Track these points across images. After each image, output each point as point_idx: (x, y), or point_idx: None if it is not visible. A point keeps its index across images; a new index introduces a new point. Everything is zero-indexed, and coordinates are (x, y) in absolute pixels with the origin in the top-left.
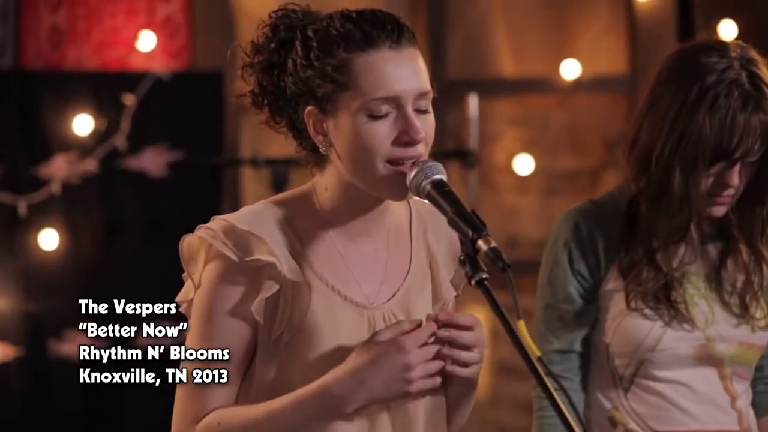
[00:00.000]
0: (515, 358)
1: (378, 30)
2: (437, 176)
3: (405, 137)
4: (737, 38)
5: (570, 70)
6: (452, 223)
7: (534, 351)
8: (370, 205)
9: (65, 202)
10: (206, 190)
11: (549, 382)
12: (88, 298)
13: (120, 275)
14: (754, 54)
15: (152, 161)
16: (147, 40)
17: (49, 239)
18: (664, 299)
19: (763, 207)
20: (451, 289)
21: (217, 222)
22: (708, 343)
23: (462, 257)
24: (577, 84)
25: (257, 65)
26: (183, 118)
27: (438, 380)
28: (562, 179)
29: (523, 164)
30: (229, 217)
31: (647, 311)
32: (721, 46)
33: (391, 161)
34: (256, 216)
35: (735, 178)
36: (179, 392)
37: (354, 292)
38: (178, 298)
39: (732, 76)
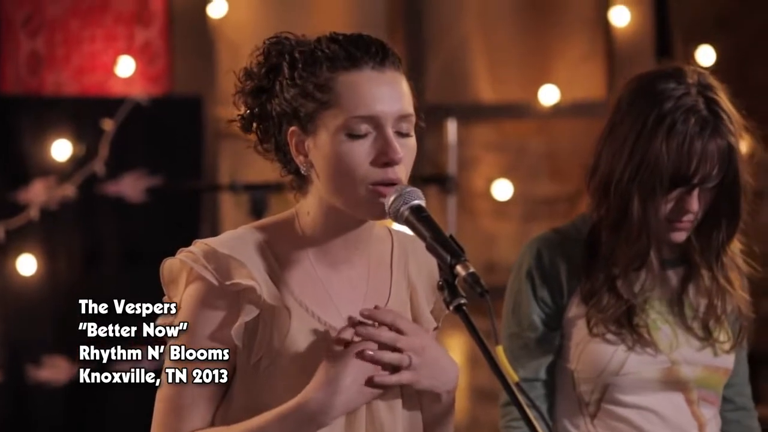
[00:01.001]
0: (494, 383)
1: (362, 51)
2: (416, 202)
3: (383, 158)
4: (715, 63)
5: (548, 95)
6: (430, 249)
7: (512, 376)
8: (351, 229)
9: (43, 227)
10: (185, 215)
11: (526, 407)
12: (66, 324)
13: (98, 301)
14: (711, 80)
15: (131, 186)
16: (126, 66)
17: (27, 265)
18: (627, 324)
19: (720, 232)
20: (431, 320)
21: (198, 246)
22: (673, 367)
23: (440, 283)
24: (556, 109)
25: (247, 90)
26: (162, 143)
27: (393, 378)
28: (541, 204)
29: (502, 189)
30: (210, 241)
31: (610, 336)
32: (678, 73)
33: (370, 182)
34: (237, 240)
35: (694, 203)
36: (157, 413)
37: (333, 318)
38: (158, 322)
39: (689, 103)
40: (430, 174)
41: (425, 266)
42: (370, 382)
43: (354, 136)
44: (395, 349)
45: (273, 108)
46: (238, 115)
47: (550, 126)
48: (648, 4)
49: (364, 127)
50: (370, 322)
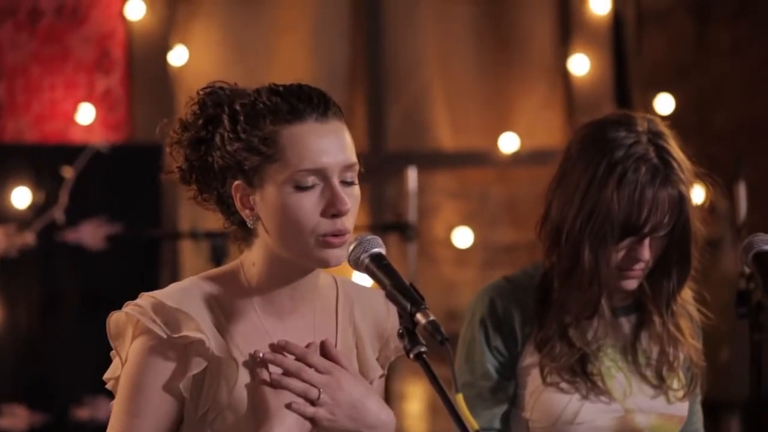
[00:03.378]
0: None
1: (304, 103)
2: (376, 250)
3: (332, 209)
4: (675, 111)
5: (508, 143)
6: (391, 297)
7: (473, 424)
8: (297, 279)
9: (3, 275)
10: (145, 263)
11: None
12: (26, 372)
13: (58, 349)
14: (662, 128)
15: (91, 234)
16: (86, 113)
17: None
18: (581, 372)
19: (671, 280)
20: (378, 367)
21: (145, 298)
22: (627, 415)
23: (400, 331)
24: (516, 157)
25: (185, 141)
26: (122, 190)
27: (309, 409)
28: (502, 252)
29: (462, 237)
30: (157, 294)
31: (564, 385)
32: (629, 121)
33: (319, 233)
34: (185, 292)
35: (645, 252)
36: None
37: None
38: (105, 376)
39: (640, 151)
40: (390, 221)
41: (370, 314)
42: (289, 405)
43: (301, 188)
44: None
45: (215, 161)
46: (177, 167)
47: (510, 173)
48: (607, 52)
49: (311, 179)
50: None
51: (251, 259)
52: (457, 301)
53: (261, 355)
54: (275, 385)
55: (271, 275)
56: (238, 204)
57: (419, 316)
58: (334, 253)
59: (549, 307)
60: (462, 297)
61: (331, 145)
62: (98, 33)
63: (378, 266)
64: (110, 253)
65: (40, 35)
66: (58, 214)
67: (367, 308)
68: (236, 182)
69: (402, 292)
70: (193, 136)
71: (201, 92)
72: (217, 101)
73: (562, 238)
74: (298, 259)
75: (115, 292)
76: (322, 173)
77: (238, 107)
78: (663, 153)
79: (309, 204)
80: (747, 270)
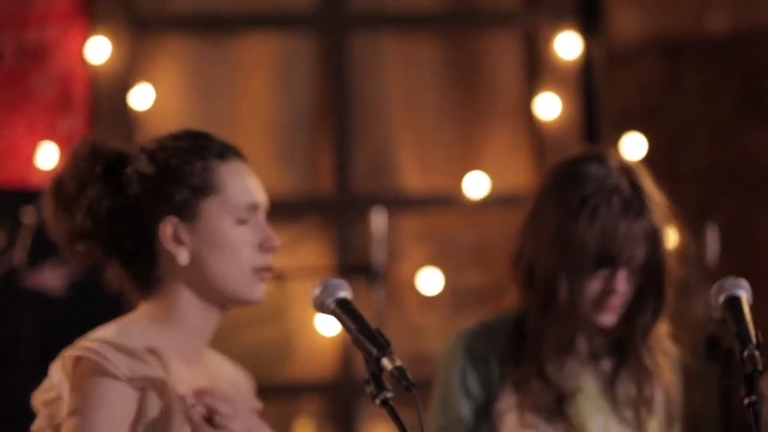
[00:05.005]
0: None
1: (225, 146)
2: (341, 294)
3: (266, 244)
4: (645, 152)
5: (476, 185)
6: (356, 342)
7: None
8: (209, 325)
9: None
10: (107, 308)
11: None
12: None
13: (19, 395)
14: (633, 163)
15: (52, 279)
16: (47, 156)
17: None
18: (558, 414)
19: (646, 315)
20: (258, 404)
21: (93, 340)
22: None
23: (366, 376)
24: (484, 200)
25: (82, 202)
26: None
27: None
28: (469, 295)
29: (430, 280)
30: (106, 335)
31: (542, 426)
32: (601, 156)
33: (253, 266)
34: (130, 334)
35: (620, 283)
36: None
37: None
38: (35, 427)
39: (612, 184)
40: (356, 264)
41: (224, 370)
42: None
43: (241, 221)
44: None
45: (135, 203)
46: (76, 237)
47: (478, 216)
48: (576, 93)
49: (247, 214)
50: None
51: (162, 306)
52: (424, 345)
53: (193, 402)
54: (188, 418)
55: (186, 320)
56: (169, 241)
57: (385, 361)
58: (263, 287)
59: (525, 348)
60: (429, 341)
61: (257, 185)
62: (60, 74)
63: (343, 310)
64: (72, 299)
65: (0, 76)
66: (19, 258)
67: (220, 363)
68: (168, 217)
69: (368, 337)
70: (102, 186)
71: (76, 154)
72: (95, 155)
73: (537, 274)
74: (229, 293)
75: (76, 338)
76: (255, 209)
77: (156, 149)
78: (636, 186)
79: (246, 238)
80: (716, 315)
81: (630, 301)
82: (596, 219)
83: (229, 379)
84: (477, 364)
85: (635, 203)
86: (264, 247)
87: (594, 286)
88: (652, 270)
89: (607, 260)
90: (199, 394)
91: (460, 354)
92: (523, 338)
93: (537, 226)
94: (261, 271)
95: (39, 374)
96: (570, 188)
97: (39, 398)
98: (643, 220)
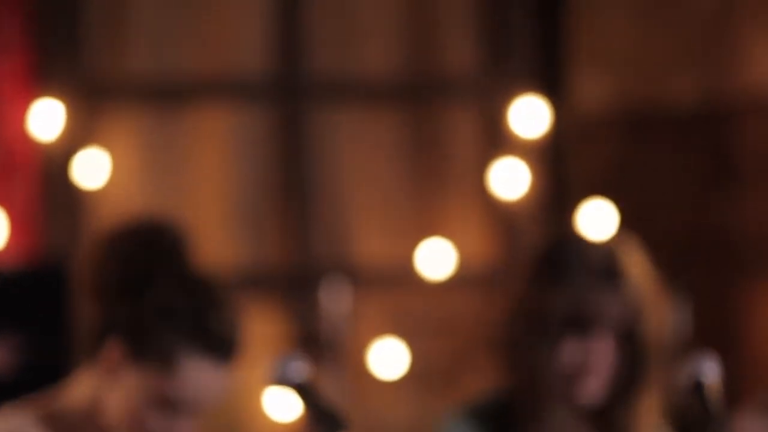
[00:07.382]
0: None
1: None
2: (299, 371)
3: None
4: (616, 218)
5: (439, 262)
6: (314, 420)
7: None
8: None
9: None
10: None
11: None
12: None
13: None
14: (609, 236)
15: None
16: None
17: None
18: None
19: (630, 390)
20: None
21: None
22: None
23: None
24: (446, 277)
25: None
26: (27, 316)
27: None
28: (433, 375)
29: (391, 358)
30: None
31: None
32: (581, 239)
33: None
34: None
35: (590, 355)
36: None
37: None
38: None
39: (585, 254)
40: (315, 340)
41: None
42: None
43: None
44: None
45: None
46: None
47: (440, 293)
48: (541, 165)
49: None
50: None
51: (120, 396)
52: (385, 423)
53: None
54: None
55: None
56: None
57: None
58: None
59: (514, 427)
60: (391, 419)
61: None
62: (6, 138)
63: (300, 388)
64: (17, 381)
65: None
66: None
67: None
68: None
69: (326, 416)
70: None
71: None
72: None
73: (513, 351)
74: None
75: None
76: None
77: None
78: (609, 258)
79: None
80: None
81: (611, 379)
82: (566, 285)
83: None
84: None
85: (609, 273)
86: None
87: (563, 354)
88: (631, 342)
89: (575, 323)
90: None
91: None
92: (512, 417)
93: (512, 303)
94: None
95: None
96: (543, 260)
97: None
98: (616, 292)
